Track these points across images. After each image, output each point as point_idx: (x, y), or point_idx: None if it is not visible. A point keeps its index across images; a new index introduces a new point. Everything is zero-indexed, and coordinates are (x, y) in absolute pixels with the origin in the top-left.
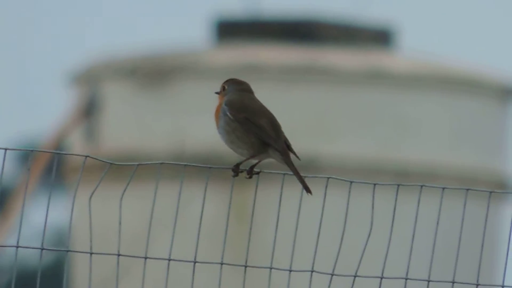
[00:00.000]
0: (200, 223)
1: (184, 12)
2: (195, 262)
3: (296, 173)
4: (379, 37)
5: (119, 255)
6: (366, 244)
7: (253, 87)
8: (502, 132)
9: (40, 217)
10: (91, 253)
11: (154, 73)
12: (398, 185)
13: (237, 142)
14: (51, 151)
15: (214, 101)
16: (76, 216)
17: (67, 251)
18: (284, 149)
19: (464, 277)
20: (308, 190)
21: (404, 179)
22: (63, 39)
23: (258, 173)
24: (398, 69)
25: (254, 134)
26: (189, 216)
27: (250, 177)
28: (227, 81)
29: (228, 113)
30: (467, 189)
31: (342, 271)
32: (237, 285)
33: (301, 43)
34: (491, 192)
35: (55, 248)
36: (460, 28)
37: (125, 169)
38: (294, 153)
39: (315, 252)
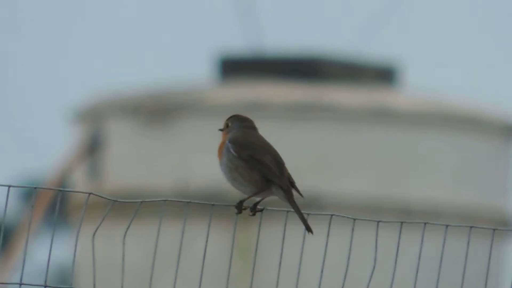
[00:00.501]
0: (204, 260)
1: (187, 50)
2: None
3: (298, 212)
4: (382, 75)
5: None
6: (369, 282)
7: (257, 124)
8: (505, 170)
9: (43, 254)
10: None
11: (157, 110)
12: (402, 222)
13: (239, 180)
14: (54, 188)
15: (217, 139)
16: (80, 253)
17: None
18: (287, 186)
19: None
20: (309, 230)
21: (407, 216)
22: (67, 77)
23: (261, 210)
24: (402, 106)
25: (258, 172)
26: (193, 253)
27: (254, 214)
28: (230, 117)
29: (231, 150)
30: (471, 227)
31: None
32: None
33: (304, 80)
34: (494, 229)
35: (58, 286)
36: (464, 66)
37: (129, 206)
38: (298, 191)
39: None
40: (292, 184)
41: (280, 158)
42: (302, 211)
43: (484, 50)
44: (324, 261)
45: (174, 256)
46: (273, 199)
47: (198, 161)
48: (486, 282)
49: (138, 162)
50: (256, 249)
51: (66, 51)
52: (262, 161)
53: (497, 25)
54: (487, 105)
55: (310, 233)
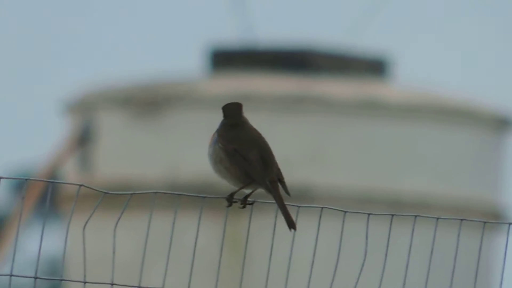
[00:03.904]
0: (194, 253)
1: (179, 42)
2: None
3: (282, 208)
4: (374, 67)
5: (112, 284)
6: (360, 274)
7: (248, 116)
8: (497, 163)
9: (34, 246)
10: (84, 282)
11: (148, 102)
12: (392, 215)
13: (224, 173)
14: (45, 180)
15: (208, 130)
16: (70, 245)
17: (61, 280)
18: (273, 182)
19: None
20: (291, 226)
21: (398, 209)
22: (58, 68)
23: (252, 203)
24: (393, 99)
25: (240, 167)
26: (183, 245)
27: (244, 207)
28: (222, 107)
29: (218, 142)
30: (461, 220)
31: None
32: None
33: (295, 73)
34: (485, 222)
35: (49, 277)
36: (456, 57)
37: (119, 198)
38: (285, 189)
39: (309, 282)
40: (280, 180)
41: (269, 153)
42: (293, 203)
43: (477, 42)
44: (314, 253)
45: (164, 248)
46: (264, 191)
47: (189, 153)
48: (476, 275)
49: (128, 153)
50: (247, 241)
51: (57, 43)
52: (246, 157)
53: (490, 16)
54: (479, 98)
55: (292, 229)
